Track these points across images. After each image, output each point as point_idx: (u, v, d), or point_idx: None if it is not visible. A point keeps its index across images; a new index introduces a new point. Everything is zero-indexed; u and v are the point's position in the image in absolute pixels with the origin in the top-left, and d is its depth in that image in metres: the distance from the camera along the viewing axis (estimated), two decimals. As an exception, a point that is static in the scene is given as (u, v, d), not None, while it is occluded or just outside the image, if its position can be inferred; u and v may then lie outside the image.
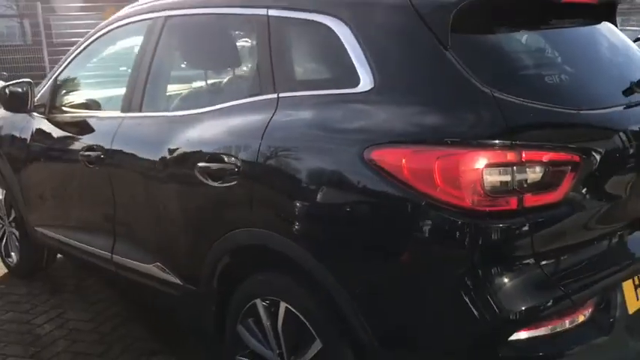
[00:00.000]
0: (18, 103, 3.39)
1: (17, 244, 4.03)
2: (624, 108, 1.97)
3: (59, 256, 4.17)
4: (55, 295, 3.85)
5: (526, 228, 1.69)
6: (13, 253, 4.14)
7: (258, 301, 2.21)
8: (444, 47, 1.80)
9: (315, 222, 1.94)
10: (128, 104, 2.81)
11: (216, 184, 2.23)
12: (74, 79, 3.50)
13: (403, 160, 1.72)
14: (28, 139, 3.55)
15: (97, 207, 3.02)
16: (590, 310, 1.77)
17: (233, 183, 2.16)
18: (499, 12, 1.92)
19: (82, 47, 3.35)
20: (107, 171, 2.82)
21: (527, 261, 1.71)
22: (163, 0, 2.81)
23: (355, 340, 1.89)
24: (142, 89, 2.73)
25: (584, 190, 1.77)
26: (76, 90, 3.51)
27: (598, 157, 1.79)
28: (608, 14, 2.33)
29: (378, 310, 1.81)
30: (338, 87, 1.99)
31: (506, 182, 1.66)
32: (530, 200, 1.69)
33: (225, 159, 2.20)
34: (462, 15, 1.81)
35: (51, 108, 3.44)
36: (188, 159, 2.36)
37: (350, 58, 1.95)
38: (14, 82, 3.45)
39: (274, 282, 2.15)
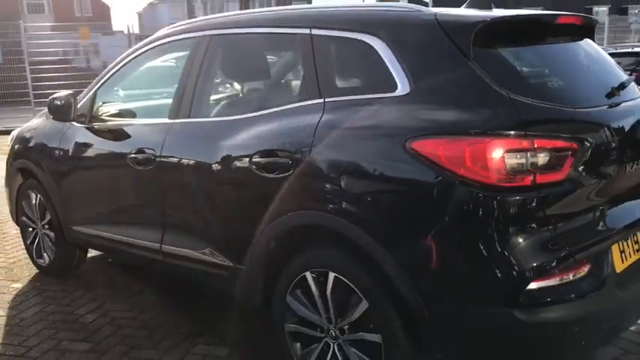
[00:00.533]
0: (63, 113, 3.75)
1: (51, 245, 4.34)
2: (608, 107, 2.47)
3: (89, 255, 4.52)
4: (90, 290, 4.18)
5: (537, 201, 2.14)
6: (45, 254, 4.45)
7: (307, 274, 2.61)
8: (467, 58, 2.26)
9: (365, 202, 2.37)
10: (176, 112, 3.20)
11: (270, 175, 2.65)
12: (115, 91, 3.87)
13: (440, 148, 2.17)
14: (69, 146, 3.90)
15: (146, 203, 3.39)
16: (587, 267, 2.23)
17: (288, 174, 2.57)
18: (509, 31, 2.40)
19: (123, 63, 3.73)
20: (158, 170, 3.20)
21: (539, 227, 2.16)
22: (207, 20, 3.23)
23: (398, 298, 2.31)
24: (191, 98, 3.13)
25: (581, 171, 2.24)
26: (117, 101, 3.88)
27: (590, 146, 2.26)
28: (589, 33, 2.84)
29: (421, 272, 2.24)
30: (377, 92, 2.44)
31: (522, 164, 2.12)
32: (540, 178, 2.14)
33: (280, 154, 2.62)
34: (480, 33, 2.28)
35: (91, 118, 3.81)
36: (243, 155, 2.76)
37: (387, 68, 2.40)
38: (60, 94, 3.81)
39: (324, 256, 2.57)
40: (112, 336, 3.49)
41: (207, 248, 3.05)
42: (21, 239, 4.81)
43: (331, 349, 2.59)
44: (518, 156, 2.12)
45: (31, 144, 4.34)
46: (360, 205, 2.38)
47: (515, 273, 2.11)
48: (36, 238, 4.51)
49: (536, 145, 2.13)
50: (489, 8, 2.69)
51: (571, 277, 2.19)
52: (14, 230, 5.35)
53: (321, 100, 2.57)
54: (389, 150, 2.30)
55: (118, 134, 3.61)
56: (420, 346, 2.36)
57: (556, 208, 2.21)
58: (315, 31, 2.69)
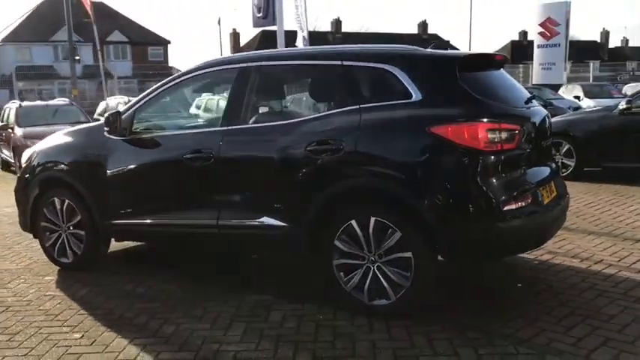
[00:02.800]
0: (113, 127, 4.76)
1: (78, 242, 5.16)
2: (527, 108, 4.12)
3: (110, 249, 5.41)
4: (122, 274, 5.06)
5: (504, 159, 3.70)
6: (69, 252, 5.24)
7: (353, 221, 3.93)
8: (456, 78, 3.80)
9: (399, 166, 3.77)
10: (229, 121, 4.40)
11: (323, 157, 3.96)
12: (156, 109, 4.95)
13: (449, 130, 3.65)
14: (112, 155, 4.87)
15: (202, 191, 4.48)
16: (530, 199, 3.82)
17: (339, 155, 3.90)
18: (473, 62, 3.99)
19: (167, 85, 4.83)
20: (217, 165, 4.34)
21: (506, 174, 3.72)
22: (247, 55, 4.52)
23: (422, 226, 3.72)
24: (243, 110, 4.35)
25: (521, 144, 3.84)
26: (158, 118, 4.96)
27: (525, 129, 3.88)
28: (503, 66, 4.53)
29: (439, 206, 3.67)
30: (399, 99, 3.89)
31: (494, 137, 3.66)
32: (504, 146, 3.71)
33: (331, 142, 3.95)
34: (461, 63, 3.84)
35: (131, 132, 4.84)
36: (299, 145, 4.04)
37: (405, 85, 3.87)
38: (110, 112, 4.81)
39: (367, 207, 3.91)
40: (169, 298, 4.46)
41: (263, 217, 4.24)
42: (23, 245, 5.58)
43: (371, 270, 3.91)
44: (492, 133, 3.66)
45: (62, 157, 5.20)
46: (396, 169, 3.78)
47: (497, 201, 3.63)
48: (58, 239, 5.28)
49: (502, 127, 3.69)
50: (446, 49, 4.28)
51: (523, 204, 3.76)
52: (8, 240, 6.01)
53: (357, 107, 3.96)
54: (415, 133, 3.75)
55: (168, 142, 4.69)
56: (436, 253, 3.77)
57: (512, 164, 3.79)
58: (345, 62, 4.11)
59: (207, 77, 4.83)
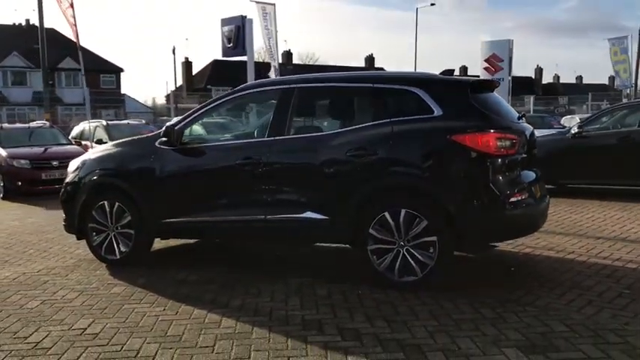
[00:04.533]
0: (170, 138, 5.55)
1: (126, 240, 5.86)
2: (519, 123, 5.17)
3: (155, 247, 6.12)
4: (168, 267, 5.78)
5: (508, 161, 4.72)
6: (116, 250, 5.92)
7: (386, 213, 4.84)
8: (468, 97, 4.82)
9: (425, 167, 4.72)
10: (275, 133, 5.26)
11: (360, 160, 4.88)
12: (201, 123, 5.77)
13: (466, 138, 4.64)
14: (164, 163, 5.65)
15: (250, 192, 5.30)
16: (526, 194, 4.84)
17: (374, 157, 4.83)
18: (479, 85, 5.02)
19: (213, 104, 5.67)
20: (265, 169, 5.18)
21: (509, 173, 4.74)
22: (289, 78, 5.43)
23: (445, 215, 4.67)
24: (287, 123, 5.24)
25: (518, 151, 4.86)
26: (205, 129, 5.78)
27: (520, 139, 4.92)
28: (494, 89, 5.57)
29: (459, 199, 4.62)
30: (423, 114, 4.86)
31: (501, 145, 4.68)
32: (508, 152, 4.73)
33: (367, 148, 4.88)
34: (471, 86, 4.87)
35: (182, 142, 5.64)
36: (340, 152, 4.94)
37: (427, 103, 4.85)
38: (168, 124, 5.60)
39: (398, 201, 4.84)
40: (224, 282, 5.23)
41: (307, 212, 5.10)
42: (55, 249, 6.43)
43: (401, 253, 4.81)
44: (500, 141, 4.68)
45: (113, 165, 5.92)
46: (422, 170, 4.73)
47: (504, 194, 4.64)
48: (106, 239, 5.96)
49: (506, 136, 4.72)
50: (452, 75, 5.33)
51: (522, 197, 4.78)
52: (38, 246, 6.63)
53: (389, 120, 4.91)
54: (438, 141, 4.73)
55: (219, 150, 5.53)
56: (457, 237, 4.72)
57: (513, 166, 4.81)
58: (376, 85, 5.07)
59: (251, 97, 5.69)
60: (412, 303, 4.51)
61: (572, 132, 9.94)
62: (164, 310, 4.53)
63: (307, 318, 4.26)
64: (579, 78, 73.09)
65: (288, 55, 57.02)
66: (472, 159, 4.65)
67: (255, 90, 5.60)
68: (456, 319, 4.16)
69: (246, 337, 3.93)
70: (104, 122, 16.08)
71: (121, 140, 6.47)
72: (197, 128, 6.09)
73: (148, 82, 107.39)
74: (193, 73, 55.13)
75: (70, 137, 15.93)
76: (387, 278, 4.86)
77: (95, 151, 6.29)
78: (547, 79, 70.90)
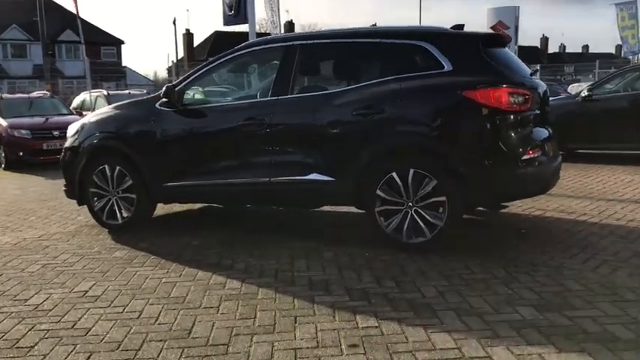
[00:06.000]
0: (171, 99, 5.39)
1: (128, 205, 5.73)
2: (531, 79, 4.97)
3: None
4: (174, 233, 5.67)
5: (521, 117, 4.55)
6: (118, 215, 5.80)
7: (393, 173, 4.69)
8: (480, 52, 4.63)
9: (435, 125, 4.55)
10: (278, 91, 5.09)
11: (367, 119, 4.71)
12: (204, 85, 5.60)
13: (477, 94, 4.46)
14: (165, 125, 5.49)
15: (254, 153, 5.15)
16: (540, 151, 4.68)
17: (382, 116, 4.67)
18: (490, 39, 4.82)
19: (213, 64, 5.49)
20: (269, 130, 5.02)
21: (522, 129, 4.57)
22: (293, 35, 5.23)
23: (455, 174, 4.52)
24: (291, 82, 5.06)
25: (532, 107, 4.68)
26: (208, 91, 5.61)
27: (533, 95, 4.73)
28: (508, 44, 5.38)
29: (470, 156, 4.47)
30: (432, 70, 4.68)
31: (513, 100, 4.50)
32: (520, 108, 4.55)
33: (374, 106, 4.71)
34: (483, 40, 4.67)
35: (182, 104, 5.47)
36: (345, 109, 4.78)
37: (437, 58, 4.66)
38: (168, 85, 5.44)
39: (406, 160, 4.68)
40: (227, 245, 5.11)
41: (312, 173, 4.95)
42: (57, 216, 6.36)
43: (409, 214, 4.68)
44: (512, 96, 4.50)
45: (114, 128, 5.77)
46: (432, 127, 4.57)
47: (517, 151, 4.48)
48: (108, 204, 5.84)
49: (519, 92, 4.54)
50: (462, 29, 5.13)
51: (535, 155, 4.62)
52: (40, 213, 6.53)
53: (397, 76, 4.73)
54: (449, 97, 4.56)
55: (221, 112, 5.37)
56: (466, 196, 4.57)
57: (526, 123, 4.64)
58: (383, 40, 4.88)
59: (252, 55, 5.50)
60: (421, 264, 4.39)
61: (582, 95, 9.72)
62: (167, 272, 4.43)
63: (314, 279, 4.15)
64: (585, 47, 72.18)
65: (290, 25, 56.16)
66: (483, 115, 4.48)
67: (256, 48, 5.41)
68: (467, 279, 4.04)
69: (251, 297, 3.82)
70: (105, 92, 15.90)
71: (120, 102, 6.30)
72: (198, 89, 5.91)
73: (149, 55, 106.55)
74: (195, 45, 54.53)
75: (71, 108, 15.77)
76: (395, 240, 4.74)
77: (95, 115, 6.14)
78: (553, 48, 70.07)
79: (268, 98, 5.17)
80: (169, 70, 48.01)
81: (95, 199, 5.90)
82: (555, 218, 5.77)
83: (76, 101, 16.89)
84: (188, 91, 5.61)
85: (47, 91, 17.77)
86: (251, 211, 6.47)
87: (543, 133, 4.96)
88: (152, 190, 5.62)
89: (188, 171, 5.47)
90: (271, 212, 6.33)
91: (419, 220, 4.64)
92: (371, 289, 3.89)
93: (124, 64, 51.70)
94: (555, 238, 5.02)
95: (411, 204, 4.66)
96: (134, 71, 54.53)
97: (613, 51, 65.89)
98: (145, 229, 5.74)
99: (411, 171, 4.62)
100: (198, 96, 5.92)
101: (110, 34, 50.87)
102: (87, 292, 4.04)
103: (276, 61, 5.27)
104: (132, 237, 5.50)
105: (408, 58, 4.85)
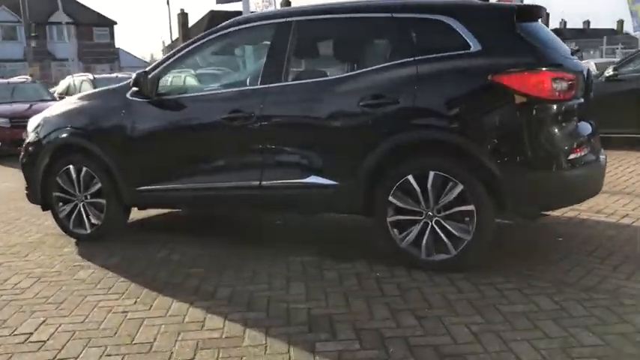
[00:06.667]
0: (142, 88, 4.53)
1: (97, 212, 4.91)
2: (572, 59, 4.10)
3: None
4: (147, 242, 4.84)
5: (563, 108, 3.70)
6: (87, 223, 4.98)
7: (409, 177, 3.86)
8: (515, 28, 3.76)
9: (462, 117, 3.71)
10: (269, 78, 4.24)
11: (377, 110, 3.87)
12: (184, 69, 4.73)
13: (513, 78, 3.61)
14: (137, 119, 4.65)
15: (242, 152, 4.32)
16: (588, 148, 3.84)
17: (395, 107, 3.82)
18: (526, 13, 3.93)
19: (192, 46, 4.62)
20: (259, 124, 4.19)
21: (565, 124, 3.72)
22: (286, 10, 4.35)
23: (485, 177, 3.68)
24: (284, 66, 4.20)
25: (577, 94, 3.83)
26: (190, 76, 4.75)
27: (578, 80, 3.87)
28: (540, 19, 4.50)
29: (505, 156, 3.63)
30: (457, 50, 3.82)
31: (557, 86, 3.65)
32: (564, 96, 3.70)
33: (386, 95, 3.86)
34: (518, 13, 3.80)
35: (157, 92, 4.61)
36: (350, 99, 3.93)
37: (462, 36, 3.80)
38: (139, 71, 4.58)
39: (425, 160, 3.84)
40: (211, 263, 4.30)
41: (311, 176, 4.12)
42: (22, 221, 5.56)
43: (429, 226, 3.85)
44: (555, 82, 3.65)
45: (78, 122, 4.92)
46: (456, 120, 3.72)
47: (562, 150, 3.64)
48: (74, 210, 5.01)
49: (564, 76, 3.68)
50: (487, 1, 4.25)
51: (583, 153, 3.78)
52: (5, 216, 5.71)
53: (413, 58, 3.88)
54: (477, 84, 3.71)
55: (202, 102, 4.51)
56: (500, 205, 3.75)
57: (570, 114, 3.79)
58: (395, 14, 4.01)
59: (240, 35, 4.63)
60: (446, 290, 3.59)
61: (606, 75, 8.85)
62: (135, 303, 3.62)
63: (314, 313, 3.35)
64: (586, 23, 70.75)
65: (287, 4, 54.94)
66: (520, 105, 3.64)
67: (243, 26, 4.53)
68: (506, 312, 3.24)
69: (235, 344, 3.02)
70: (91, 76, 14.97)
71: (87, 92, 5.46)
72: (177, 75, 5.05)
73: (143, 36, 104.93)
74: (189, 26, 53.26)
75: (56, 93, 14.90)
76: (411, 256, 3.93)
77: (57, 106, 5.29)
78: (553, 24, 68.63)
79: (257, 86, 4.32)
80: (165, 51, 46.89)
81: (60, 204, 5.09)
82: (593, 221, 4.95)
83: (61, 86, 15.99)
84: (163, 78, 4.73)
85: (30, 75, 16.81)
86: (241, 216, 5.64)
87: (587, 127, 4.11)
88: (124, 195, 4.80)
89: (165, 173, 4.65)
90: (264, 217, 5.50)
91: (441, 233, 3.83)
92: (387, 330, 3.08)
93: (117, 45, 50.51)
94: (601, 250, 4.21)
95: (431, 214, 3.84)
96: (128, 53, 53.32)
97: (615, 27, 64.64)
98: (117, 239, 4.93)
99: (431, 174, 3.79)
100: (178, 81, 5.02)
101: (102, 15, 49.67)
102: (31, 335, 3.23)
103: (266, 42, 4.41)
104: (102, 250, 4.70)
105: (427, 37, 3.99)
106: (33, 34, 21.74)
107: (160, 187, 4.65)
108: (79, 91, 14.26)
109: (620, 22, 67.34)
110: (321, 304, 3.47)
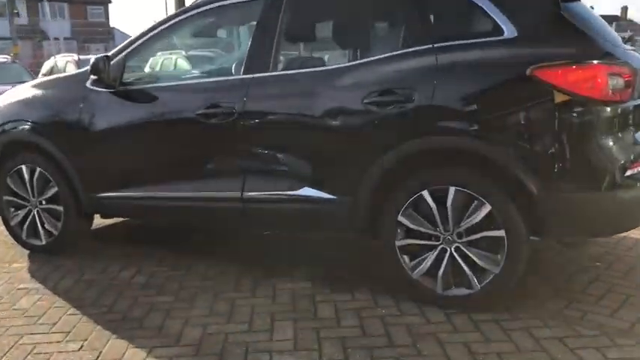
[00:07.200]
0: (102, 76, 3.76)
1: (55, 220, 4.17)
2: (625, 50, 3.31)
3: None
4: (110, 258, 4.12)
5: (619, 111, 2.94)
6: (41, 232, 4.24)
7: (424, 192, 3.12)
8: (560, 9, 2.99)
9: (490, 123, 2.95)
10: (254, 66, 3.48)
11: (385, 110, 3.11)
12: (155, 54, 3.96)
13: (559, 73, 2.85)
14: (98, 112, 3.90)
15: (221, 155, 3.58)
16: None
17: (408, 107, 3.06)
18: None
19: (163, 26, 3.85)
20: (241, 122, 3.44)
21: (621, 132, 2.96)
22: None
23: (518, 196, 2.94)
24: (273, 52, 3.44)
25: (633, 96, 3.05)
26: (159, 63, 3.96)
27: (636, 77, 3.09)
28: None
29: (545, 170, 2.88)
30: (486, 36, 3.05)
31: (614, 84, 2.88)
32: (621, 96, 2.93)
33: (397, 91, 3.10)
34: None
35: (122, 81, 3.85)
36: (353, 94, 3.18)
37: (493, 18, 3.03)
38: (99, 55, 3.80)
39: (445, 174, 3.10)
40: (182, 289, 3.58)
41: (303, 187, 3.37)
42: None
43: (448, 253, 3.12)
44: (612, 79, 2.89)
45: (31, 115, 4.16)
46: (484, 124, 2.96)
47: (618, 164, 2.89)
48: (28, 216, 4.28)
49: (621, 71, 2.92)
50: None
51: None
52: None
53: (430, 46, 3.11)
54: (510, 78, 2.95)
55: (173, 94, 3.75)
56: (537, 230, 3.01)
57: (626, 119, 3.02)
58: (416, -8, 3.23)
59: (222, 12, 3.84)
60: (469, 337, 2.88)
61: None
62: (81, 348, 2.91)
63: (304, 371, 2.62)
64: (590, 8, 69.75)
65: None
66: (567, 107, 2.88)
67: (226, 2, 3.73)
68: (549, 376, 2.51)
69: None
70: (75, 57, 14.15)
71: (41, 80, 4.69)
72: (168, 58, 4.26)
73: (138, 16, 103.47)
74: (186, 3, 52.16)
75: (40, 74, 14.09)
76: (425, 290, 3.21)
77: (8, 95, 4.51)
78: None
79: (240, 76, 3.56)
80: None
81: (12, 209, 4.34)
82: (635, 239, 4.22)
83: (45, 67, 15.17)
84: (129, 64, 3.95)
85: (13, 54, 15.96)
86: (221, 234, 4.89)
87: (643, 133, 3.35)
88: (84, 202, 4.05)
89: (130, 178, 3.91)
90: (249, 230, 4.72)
91: (462, 263, 3.10)
92: (397, 404, 2.35)
93: (112, 25, 49.39)
94: (653, 281, 3.49)
95: (450, 238, 3.11)
96: (124, 33, 52.15)
97: (619, 13, 63.68)
98: (76, 253, 4.21)
99: (452, 190, 3.06)
100: (147, 68, 4.24)
101: (97, -8, 48.44)
102: (-64, 399, 2.50)
103: (253, 22, 3.64)
104: (55, 268, 4.00)
105: (449, 19, 3.24)
106: (15, 11, 20.77)
107: (124, 194, 3.91)
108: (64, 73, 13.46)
109: (625, 9, 66.33)
110: (313, 355, 2.74)
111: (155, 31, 3.88)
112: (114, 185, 3.93)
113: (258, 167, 3.49)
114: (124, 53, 3.89)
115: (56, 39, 39.54)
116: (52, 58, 15.01)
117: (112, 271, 3.90)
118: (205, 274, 3.77)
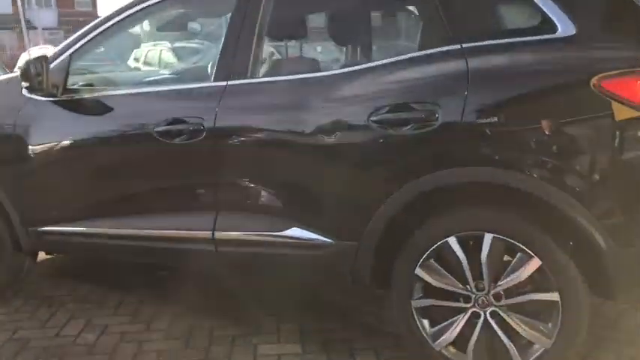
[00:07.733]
0: (36, 82, 2.97)
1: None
2: None
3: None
4: (55, 306, 3.36)
5: None
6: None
7: (451, 239, 2.36)
8: (634, 2, 2.23)
9: (540, 151, 2.19)
10: (228, 70, 2.71)
11: (399, 130, 2.35)
12: (105, 54, 3.17)
13: (632, 86, 2.09)
14: (35, 127, 3.14)
15: (187, 183, 2.81)
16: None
17: (429, 128, 2.30)
18: None
19: (113, 21, 3.07)
20: (212, 141, 2.67)
21: None
22: None
23: (580, 247, 2.19)
24: (252, 53, 2.67)
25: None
26: (112, 65, 3.18)
27: None
28: None
29: (621, 215, 2.14)
30: (533, 34, 2.29)
31: None
32: None
33: (414, 105, 2.34)
34: None
35: (65, 89, 3.07)
36: (356, 108, 2.42)
37: (544, 11, 2.27)
38: (33, 57, 3.02)
39: (480, 216, 2.34)
40: (141, 354, 2.82)
41: (291, 227, 2.61)
42: None
43: (482, 319, 2.37)
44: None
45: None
46: (533, 152, 2.21)
47: None
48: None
49: None
50: None
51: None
52: None
53: (458, 46, 2.34)
54: (567, 90, 2.19)
55: (127, 105, 2.96)
56: (597, 291, 2.27)
57: None
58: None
59: (184, 4, 3.05)
60: None
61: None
62: None
63: None
64: None
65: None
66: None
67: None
68: None
69: None
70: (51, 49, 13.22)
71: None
72: (152, 49, 3.46)
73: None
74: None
75: (17, 67, 13.21)
76: (449, 364, 2.44)
77: None
78: None
79: (210, 83, 2.78)
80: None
81: None
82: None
83: (22, 60, 14.24)
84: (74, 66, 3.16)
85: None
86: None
87: None
88: (20, 237, 3.27)
89: (75, 210, 3.14)
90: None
91: (500, 333, 2.35)
92: None
93: (99, 14, 48.25)
94: None
95: (484, 300, 2.35)
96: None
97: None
98: (11, 300, 3.44)
99: (489, 237, 2.29)
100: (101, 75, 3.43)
101: (85, -19, 47.21)
102: None
103: (228, 14, 2.86)
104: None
105: (485, 12, 2.46)
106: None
107: (69, 229, 3.14)
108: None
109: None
110: None
111: (108, 24, 3.08)
112: (57, 218, 3.16)
113: (234, 200, 2.73)
114: (68, 52, 3.11)
115: (44, 29, 38.41)
116: (26, 52, 14.10)
117: (53, 324, 3.14)
118: (169, 330, 3.00)
